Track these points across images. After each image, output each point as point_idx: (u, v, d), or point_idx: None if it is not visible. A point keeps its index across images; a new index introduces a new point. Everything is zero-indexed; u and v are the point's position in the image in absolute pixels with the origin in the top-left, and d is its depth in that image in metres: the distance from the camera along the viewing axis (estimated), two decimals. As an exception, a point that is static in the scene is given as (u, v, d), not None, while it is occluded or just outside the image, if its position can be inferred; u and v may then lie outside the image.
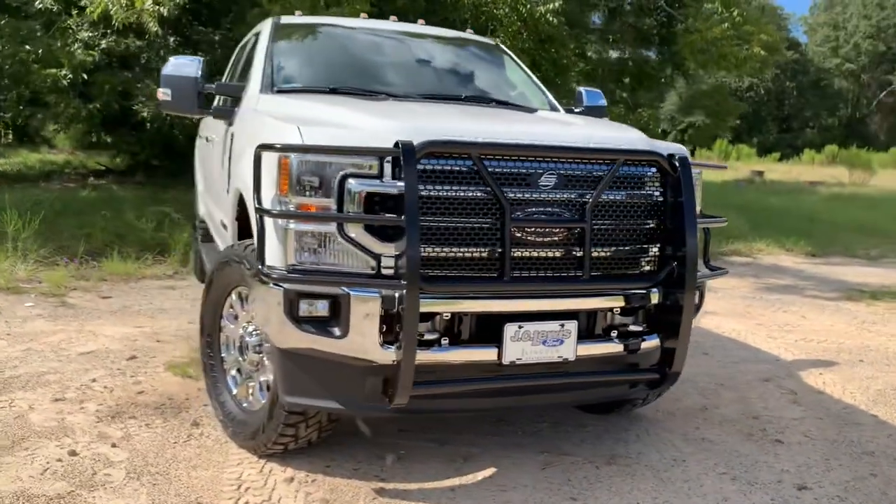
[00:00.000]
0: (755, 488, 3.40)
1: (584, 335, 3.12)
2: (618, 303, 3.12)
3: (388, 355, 2.89)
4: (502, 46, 5.27)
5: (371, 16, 10.23)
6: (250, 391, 3.59)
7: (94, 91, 11.19)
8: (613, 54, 15.38)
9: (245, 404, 3.58)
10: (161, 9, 7.26)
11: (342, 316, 2.89)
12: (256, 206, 2.97)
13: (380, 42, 4.78)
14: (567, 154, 3.04)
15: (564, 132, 3.33)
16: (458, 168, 2.90)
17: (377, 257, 2.89)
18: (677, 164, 3.12)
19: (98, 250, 7.97)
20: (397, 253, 2.88)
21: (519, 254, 2.97)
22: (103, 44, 10.34)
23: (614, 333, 3.21)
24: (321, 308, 2.93)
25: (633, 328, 3.22)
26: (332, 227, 2.90)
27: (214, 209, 5.10)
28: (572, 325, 3.05)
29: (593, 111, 4.94)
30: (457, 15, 11.27)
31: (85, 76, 10.50)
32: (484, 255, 2.94)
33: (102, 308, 6.16)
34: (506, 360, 2.99)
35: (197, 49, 10.79)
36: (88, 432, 3.67)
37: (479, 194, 2.91)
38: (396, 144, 2.83)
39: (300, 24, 4.76)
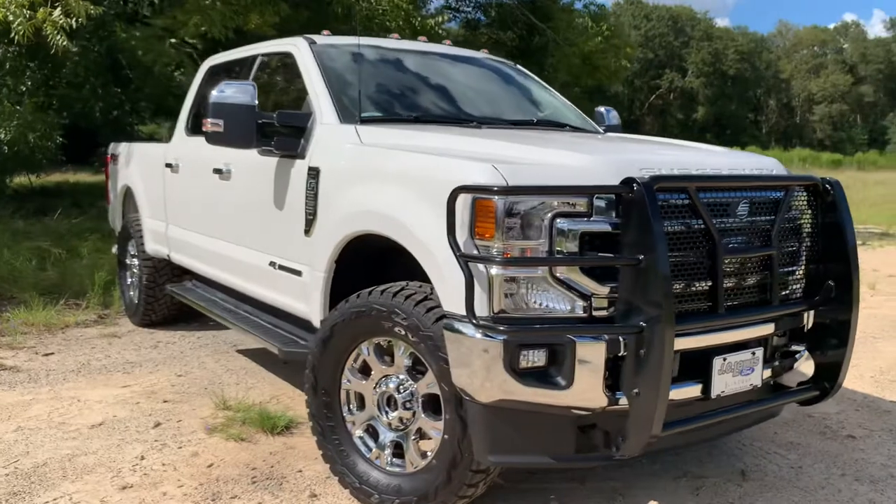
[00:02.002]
0: (884, 485, 3.62)
1: (765, 360, 3.16)
2: (796, 324, 3.20)
3: (613, 401, 2.75)
4: (521, 68, 5.20)
5: (273, 28, 9.78)
6: (387, 453, 3.26)
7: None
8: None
9: (393, 467, 3.25)
10: (72, 21, 6.34)
11: (565, 364, 2.71)
12: (459, 252, 2.72)
13: (428, 65, 4.54)
14: (759, 183, 3.08)
15: (728, 161, 3.35)
16: (673, 202, 2.82)
17: (588, 300, 2.75)
18: (829, 187, 3.25)
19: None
20: (610, 294, 2.75)
21: (728, 285, 2.95)
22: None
23: (778, 355, 3.28)
24: (539, 358, 2.74)
25: (793, 348, 3.30)
26: (540, 272, 2.72)
27: (233, 250, 4.58)
28: (760, 352, 3.08)
29: (614, 129, 5.04)
30: (348, 26, 11.00)
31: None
32: (699, 288, 2.89)
33: (56, 368, 5.32)
34: (713, 394, 2.95)
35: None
36: (202, 522, 3.16)
37: (693, 227, 2.86)
38: (626, 181, 2.70)
39: (339, 45, 4.39)
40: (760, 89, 75.51)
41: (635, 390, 2.70)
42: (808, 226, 3.29)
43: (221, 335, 6.27)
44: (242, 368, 5.34)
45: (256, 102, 3.79)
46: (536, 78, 5.10)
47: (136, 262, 6.54)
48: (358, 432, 3.37)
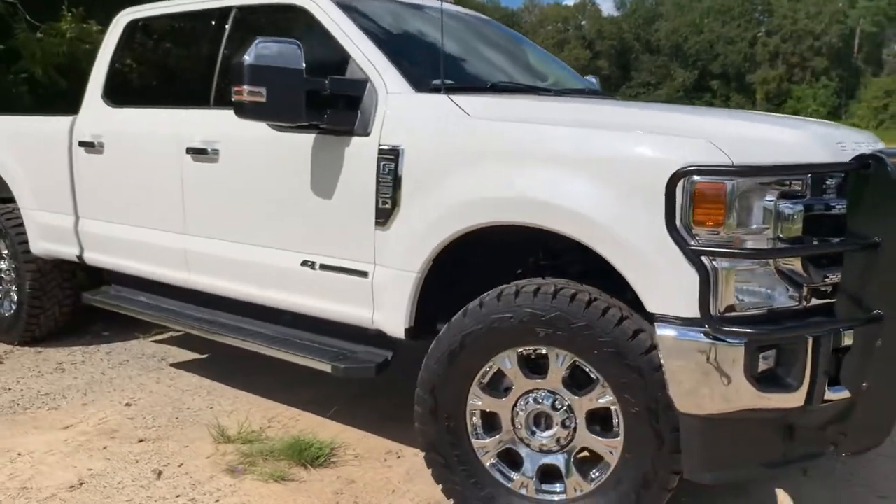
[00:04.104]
0: None
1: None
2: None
3: (838, 396, 2.54)
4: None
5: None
6: (534, 480, 2.81)
7: None
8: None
9: (545, 495, 2.79)
10: None
11: (797, 364, 2.44)
12: (688, 245, 2.34)
13: (455, 26, 3.94)
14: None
15: (859, 136, 3.19)
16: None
17: (805, 289, 2.50)
18: None
19: None
20: (824, 281, 2.52)
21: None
22: None
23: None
24: (770, 359, 2.44)
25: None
26: (768, 262, 2.42)
27: (226, 249, 3.72)
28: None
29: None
30: None
31: None
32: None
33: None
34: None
35: None
36: None
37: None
38: (860, 158, 2.46)
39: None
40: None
41: (864, 383, 2.49)
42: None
43: (132, 347, 5.24)
44: (200, 387, 4.46)
45: (304, 65, 3.03)
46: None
47: (4, 265, 5.24)
48: (490, 460, 2.85)
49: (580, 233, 2.56)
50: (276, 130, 3.36)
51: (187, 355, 5.05)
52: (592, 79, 4.76)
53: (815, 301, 2.51)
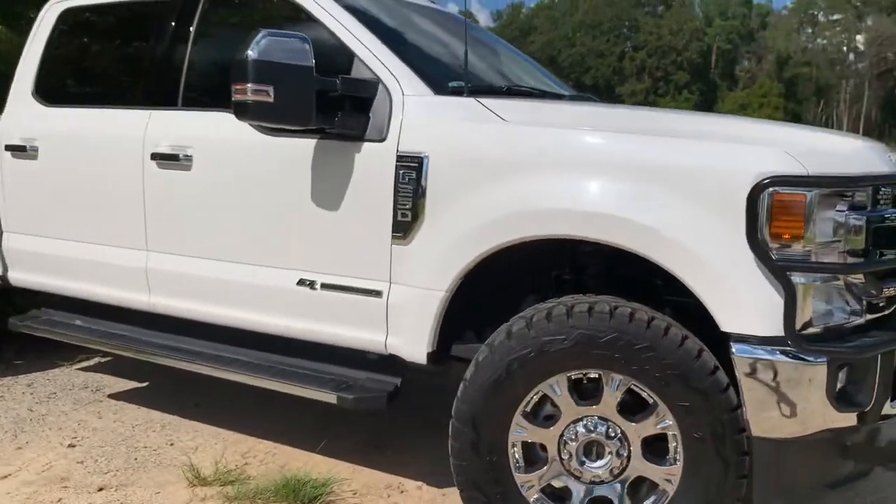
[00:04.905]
0: None
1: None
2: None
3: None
4: None
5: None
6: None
7: None
8: None
9: (596, 532, 2.60)
10: None
11: (866, 381, 2.38)
12: (774, 260, 2.23)
13: (439, 21, 3.69)
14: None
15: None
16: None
17: (867, 303, 2.45)
18: None
19: None
20: (889, 296, 2.48)
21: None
22: None
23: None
24: (843, 378, 2.37)
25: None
26: (840, 277, 2.35)
27: (200, 267, 3.31)
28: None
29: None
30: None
31: None
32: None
33: None
34: None
35: None
36: None
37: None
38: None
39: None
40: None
41: (927, 399, 2.46)
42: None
43: (57, 377, 4.66)
44: (151, 421, 3.98)
45: (314, 62, 2.72)
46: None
47: None
48: (535, 495, 2.63)
49: (648, 248, 2.40)
50: (266, 134, 3.01)
51: (125, 384, 4.52)
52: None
53: (869, 315, 2.46)
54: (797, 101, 74.50)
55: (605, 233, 2.45)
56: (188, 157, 3.25)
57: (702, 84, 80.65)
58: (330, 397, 2.96)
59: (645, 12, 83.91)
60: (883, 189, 2.42)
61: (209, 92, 3.38)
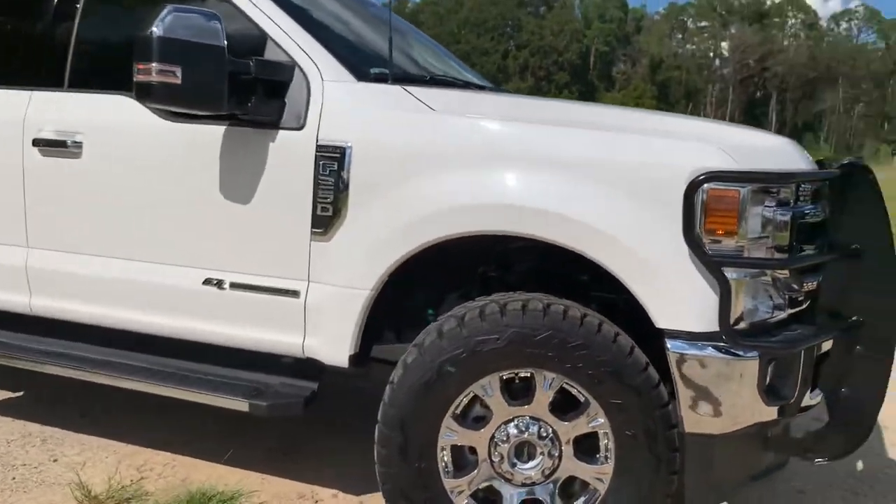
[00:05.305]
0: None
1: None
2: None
3: (816, 402, 2.57)
4: None
5: None
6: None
7: None
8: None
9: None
10: None
11: (791, 375, 2.42)
12: (708, 255, 2.23)
13: (359, 8, 3.51)
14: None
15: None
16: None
17: (789, 299, 2.49)
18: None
19: None
20: (809, 290, 2.54)
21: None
22: None
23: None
24: (771, 372, 2.40)
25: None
26: (768, 272, 2.38)
27: (85, 266, 3.01)
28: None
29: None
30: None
31: None
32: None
33: None
34: None
35: None
36: None
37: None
38: (846, 166, 2.48)
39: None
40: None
41: (843, 388, 2.54)
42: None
43: None
44: (29, 435, 3.61)
45: (226, 42, 2.51)
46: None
47: None
48: (464, 501, 2.54)
49: (582, 244, 2.34)
50: (169, 120, 2.77)
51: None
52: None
53: (790, 310, 2.50)
54: (669, 104, 78.25)
55: (540, 228, 2.38)
56: (77, 144, 2.94)
57: (581, 85, 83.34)
58: (241, 405, 2.75)
59: (528, 12, 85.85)
60: (803, 186, 2.46)
61: (101, 71, 3.07)
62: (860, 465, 3.53)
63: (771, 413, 2.38)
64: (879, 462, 3.58)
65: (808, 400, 2.51)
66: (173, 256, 2.88)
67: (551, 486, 2.52)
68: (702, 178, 2.21)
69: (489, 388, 2.45)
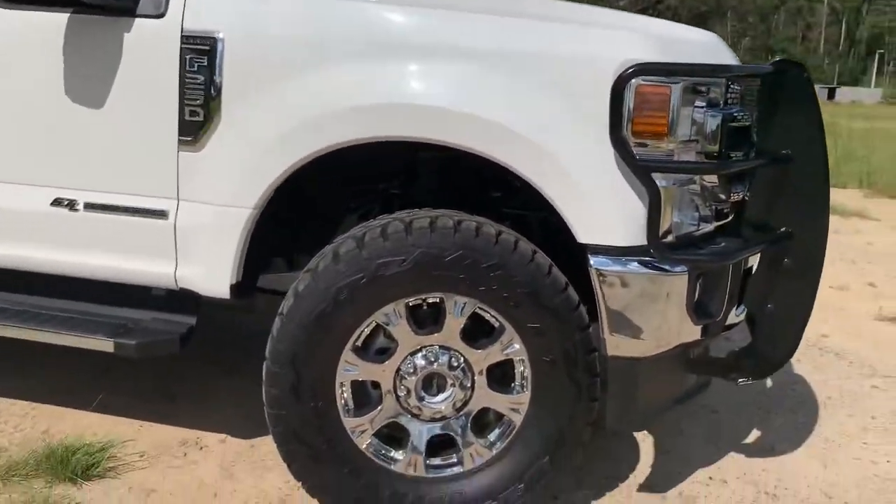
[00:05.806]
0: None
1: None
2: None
3: (740, 320, 2.42)
4: None
5: None
6: (423, 455, 2.30)
7: None
8: None
9: (436, 472, 2.30)
10: None
11: (718, 291, 2.25)
12: (637, 160, 1.99)
13: None
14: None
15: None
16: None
17: (718, 209, 2.31)
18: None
19: None
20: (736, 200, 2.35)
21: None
22: None
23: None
24: (697, 288, 2.21)
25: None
26: (696, 179, 2.18)
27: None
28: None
29: None
30: None
31: None
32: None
33: None
34: None
35: None
36: None
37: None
38: (779, 63, 2.26)
39: None
40: None
41: (769, 304, 2.39)
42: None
43: None
44: None
45: None
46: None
47: None
48: (367, 440, 2.27)
49: (494, 149, 2.06)
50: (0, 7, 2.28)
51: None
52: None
53: (716, 222, 2.32)
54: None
55: (446, 132, 2.07)
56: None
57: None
58: (105, 344, 2.36)
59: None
60: (733, 86, 2.23)
61: None
62: (769, 382, 3.49)
63: (696, 332, 2.21)
64: (788, 378, 3.55)
65: (732, 317, 2.36)
66: (14, 173, 2.41)
67: (463, 419, 2.28)
68: (631, 71, 1.94)
69: (393, 316, 2.17)
